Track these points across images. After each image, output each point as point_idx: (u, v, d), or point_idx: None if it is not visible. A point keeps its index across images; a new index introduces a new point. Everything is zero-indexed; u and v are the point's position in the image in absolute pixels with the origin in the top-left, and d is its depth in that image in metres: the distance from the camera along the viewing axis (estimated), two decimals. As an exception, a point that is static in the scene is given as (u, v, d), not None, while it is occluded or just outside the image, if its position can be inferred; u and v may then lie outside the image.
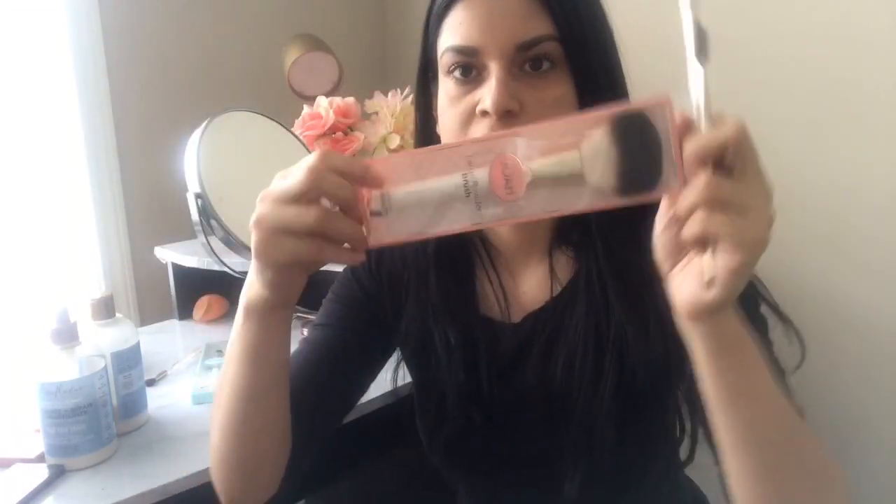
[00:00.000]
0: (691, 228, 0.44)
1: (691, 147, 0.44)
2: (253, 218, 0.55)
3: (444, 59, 0.67)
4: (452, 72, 0.66)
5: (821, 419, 1.36)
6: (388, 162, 0.52)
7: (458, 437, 0.74)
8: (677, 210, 0.45)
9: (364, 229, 0.52)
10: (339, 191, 0.50)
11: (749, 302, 0.68)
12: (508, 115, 0.63)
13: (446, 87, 0.67)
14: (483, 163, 0.49)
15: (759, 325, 0.69)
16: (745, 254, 0.44)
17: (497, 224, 0.50)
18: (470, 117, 0.65)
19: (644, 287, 0.68)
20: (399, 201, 0.51)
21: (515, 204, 0.49)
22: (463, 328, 0.74)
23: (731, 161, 0.44)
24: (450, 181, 0.50)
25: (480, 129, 0.64)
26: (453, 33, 0.65)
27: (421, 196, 0.50)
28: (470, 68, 0.65)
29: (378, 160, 0.52)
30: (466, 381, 0.73)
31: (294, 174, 0.52)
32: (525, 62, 0.64)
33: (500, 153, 0.49)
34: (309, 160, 0.52)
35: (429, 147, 0.52)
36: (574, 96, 0.65)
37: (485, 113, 0.63)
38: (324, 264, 0.54)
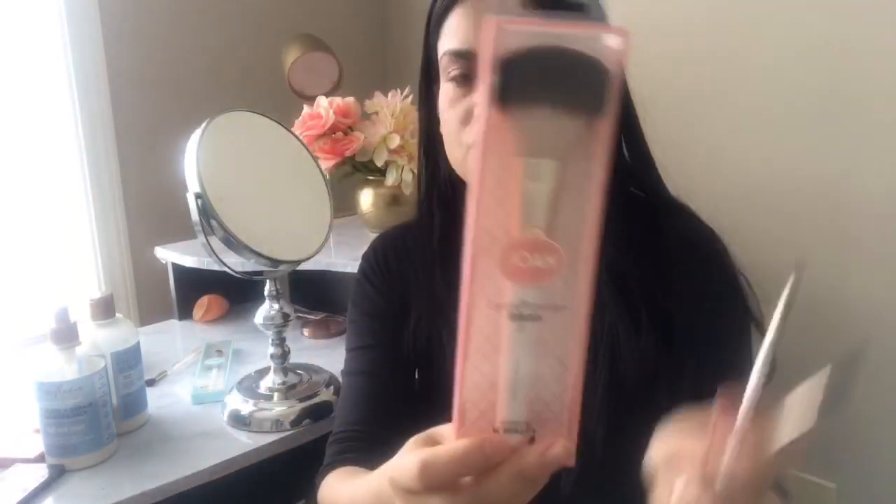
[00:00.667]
0: None
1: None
2: None
3: (443, 61, 0.68)
4: (451, 74, 0.67)
5: (822, 418, 1.36)
6: (463, 409, 0.38)
7: None
8: None
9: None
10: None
11: (736, 311, 0.70)
12: None
13: (446, 89, 0.69)
14: (500, 287, 0.36)
15: (743, 339, 0.71)
16: None
17: (587, 298, 0.37)
18: (468, 118, 0.67)
19: (636, 285, 0.68)
20: (515, 414, 0.37)
21: (565, 262, 0.36)
22: None
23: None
24: (510, 339, 0.36)
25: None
26: (451, 36, 0.66)
27: (517, 386, 0.37)
28: (468, 71, 0.66)
29: (457, 429, 0.38)
30: None
31: None
32: None
33: (503, 247, 0.36)
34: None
35: (459, 358, 0.37)
36: None
37: None
38: None
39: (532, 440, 0.37)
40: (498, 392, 0.37)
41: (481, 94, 0.34)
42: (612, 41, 0.34)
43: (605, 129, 0.35)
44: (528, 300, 0.36)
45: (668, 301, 0.69)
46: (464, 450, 0.36)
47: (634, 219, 0.72)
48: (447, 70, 0.67)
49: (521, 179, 0.35)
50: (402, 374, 0.80)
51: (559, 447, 0.37)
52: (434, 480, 0.37)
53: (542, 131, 0.35)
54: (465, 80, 0.66)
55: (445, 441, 0.39)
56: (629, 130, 0.73)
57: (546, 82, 0.34)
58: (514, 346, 0.36)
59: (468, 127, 0.67)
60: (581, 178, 0.36)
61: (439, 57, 0.68)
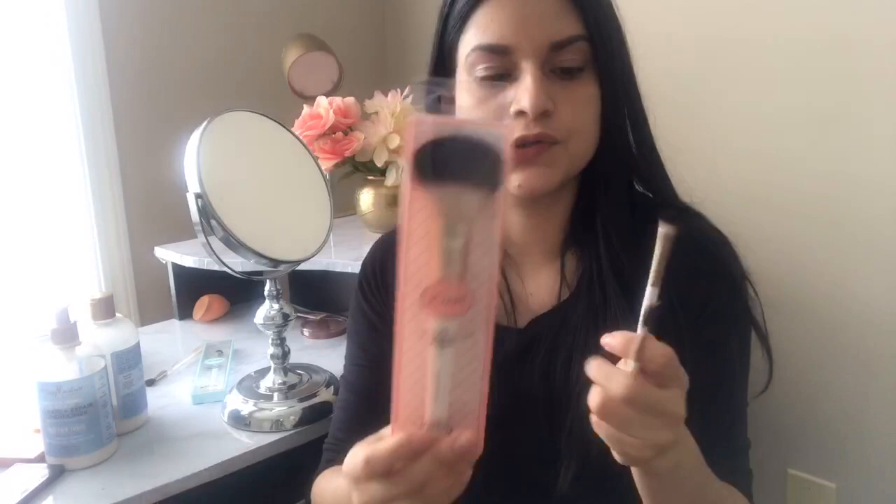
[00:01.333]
0: (594, 422, 0.51)
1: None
2: None
3: (469, 58, 0.66)
4: (479, 71, 0.66)
5: (822, 418, 1.36)
6: (399, 412, 0.48)
7: None
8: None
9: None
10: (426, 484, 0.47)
11: (741, 326, 0.71)
12: (544, 115, 0.63)
13: (470, 87, 0.67)
14: (424, 319, 0.46)
15: (742, 347, 0.72)
16: (629, 461, 0.51)
17: (490, 326, 0.46)
18: (502, 117, 0.65)
19: (639, 286, 0.68)
20: (438, 414, 0.47)
21: (473, 301, 0.45)
22: None
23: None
24: (433, 359, 0.46)
25: (517, 128, 0.64)
26: (482, 32, 0.65)
27: (439, 393, 0.47)
28: (499, 68, 0.65)
29: (394, 426, 0.48)
30: None
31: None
32: (556, 62, 0.64)
33: (426, 290, 0.45)
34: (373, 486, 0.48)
35: (395, 372, 0.47)
36: (600, 98, 0.67)
37: (520, 113, 0.63)
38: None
39: (449, 434, 0.47)
40: (426, 397, 0.47)
41: (406, 174, 0.44)
42: (501, 131, 0.43)
43: (500, 196, 0.44)
44: (446, 329, 0.46)
45: (672, 303, 0.69)
46: (396, 443, 0.46)
47: (642, 220, 0.72)
48: (474, 67, 0.66)
49: (439, 237, 0.45)
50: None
51: (464, 438, 0.46)
52: (375, 470, 0.47)
53: (454, 202, 0.45)
54: (496, 77, 0.65)
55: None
56: (639, 134, 0.72)
57: (454, 167, 0.44)
58: (436, 364, 0.46)
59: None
60: (485, 234, 0.45)
61: (465, 54, 0.67)
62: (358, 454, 0.48)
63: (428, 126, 0.43)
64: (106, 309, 1.01)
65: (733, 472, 0.70)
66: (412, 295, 0.46)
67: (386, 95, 1.40)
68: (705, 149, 1.42)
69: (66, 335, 0.91)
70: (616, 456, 0.51)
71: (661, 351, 0.49)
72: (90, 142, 1.49)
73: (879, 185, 1.23)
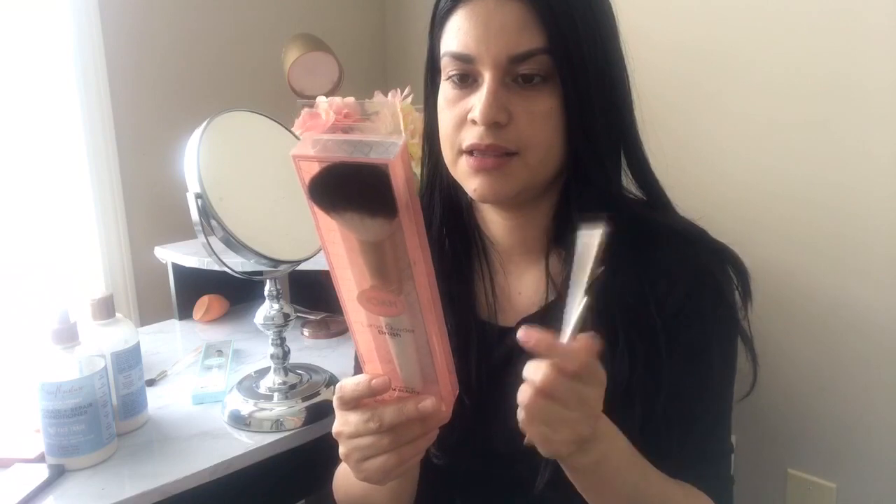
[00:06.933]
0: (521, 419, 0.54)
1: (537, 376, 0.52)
2: (341, 451, 0.61)
3: (443, 60, 0.69)
4: (450, 76, 0.68)
5: (821, 418, 1.36)
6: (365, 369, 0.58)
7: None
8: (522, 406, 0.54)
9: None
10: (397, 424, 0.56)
11: (724, 330, 0.71)
12: (496, 126, 0.65)
13: (444, 89, 0.70)
14: (368, 314, 0.54)
15: (727, 354, 0.72)
16: (552, 453, 0.55)
17: (426, 323, 0.53)
18: (462, 122, 0.67)
19: (617, 306, 0.68)
20: (406, 382, 0.57)
21: (402, 305, 0.51)
22: (456, 319, 0.75)
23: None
24: (391, 344, 0.55)
25: (471, 135, 0.66)
26: (452, 39, 0.67)
27: (405, 367, 0.56)
28: (466, 74, 0.67)
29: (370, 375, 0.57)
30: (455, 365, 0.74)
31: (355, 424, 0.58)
32: (517, 74, 0.65)
33: (360, 295, 0.52)
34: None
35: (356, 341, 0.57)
36: (563, 110, 0.66)
37: (475, 121, 0.65)
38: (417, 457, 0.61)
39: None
40: (392, 369, 0.56)
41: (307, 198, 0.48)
42: (385, 164, 0.44)
43: (401, 221, 0.46)
44: (389, 324, 0.53)
45: (654, 322, 0.68)
46: (359, 379, 0.57)
47: (628, 238, 0.70)
48: (447, 70, 0.68)
49: (358, 251, 0.49)
50: None
51: (429, 403, 0.55)
52: (344, 396, 0.57)
53: (355, 226, 0.48)
54: (463, 82, 0.67)
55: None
56: (628, 147, 0.72)
57: (345, 196, 0.46)
58: (394, 349, 0.55)
59: (463, 130, 0.67)
60: (401, 245, 0.48)
61: (441, 55, 0.69)
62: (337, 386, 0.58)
63: (313, 160, 0.47)
64: (106, 309, 1.01)
65: (705, 477, 0.70)
66: (350, 299, 0.53)
67: (386, 95, 1.40)
68: (704, 153, 1.42)
69: (67, 335, 0.91)
70: (540, 449, 0.54)
71: (581, 353, 0.51)
72: (90, 142, 1.49)
73: (878, 186, 1.23)
